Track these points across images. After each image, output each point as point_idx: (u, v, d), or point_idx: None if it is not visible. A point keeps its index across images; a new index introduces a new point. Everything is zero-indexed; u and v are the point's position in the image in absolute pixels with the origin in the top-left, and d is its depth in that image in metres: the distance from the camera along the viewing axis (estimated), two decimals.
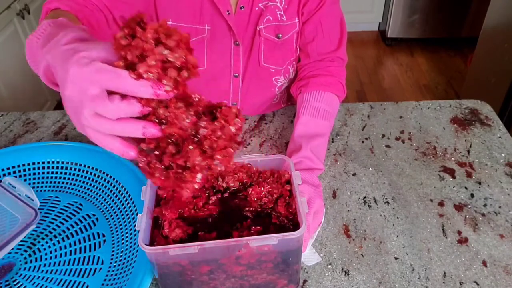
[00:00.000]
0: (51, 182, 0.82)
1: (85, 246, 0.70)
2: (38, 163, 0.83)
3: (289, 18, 0.90)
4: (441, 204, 0.79)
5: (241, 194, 0.65)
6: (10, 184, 0.78)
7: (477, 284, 0.66)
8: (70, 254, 0.69)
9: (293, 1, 0.89)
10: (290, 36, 0.93)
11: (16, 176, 0.81)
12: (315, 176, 0.77)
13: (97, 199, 0.78)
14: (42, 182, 0.82)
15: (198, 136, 0.45)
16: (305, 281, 0.67)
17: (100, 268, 0.67)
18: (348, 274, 0.68)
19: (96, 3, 0.77)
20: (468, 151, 0.90)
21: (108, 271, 0.67)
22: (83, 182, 0.81)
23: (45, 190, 0.81)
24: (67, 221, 0.74)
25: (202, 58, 0.94)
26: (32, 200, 0.76)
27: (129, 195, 0.75)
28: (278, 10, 0.89)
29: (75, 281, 0.65)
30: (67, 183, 0.82)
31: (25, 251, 0.70)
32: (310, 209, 0.70)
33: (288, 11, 0.89)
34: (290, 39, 0.93)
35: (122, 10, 0.82)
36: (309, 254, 0.70)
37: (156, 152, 0.46)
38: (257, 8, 0.88)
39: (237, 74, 0.97)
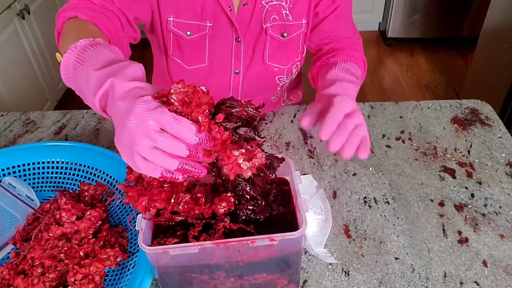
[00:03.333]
0: (51, 182, 0.82)
1: None
2: (38, 163, 0.83)
3: (296, 18, 0.91)
4: (441, 204, 0.79)
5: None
6: (10, 184, 0.78)
7: (478, 284, 0.66)
8: None
9: (300, 1, 0.89)
10: (295, 36, 0.93)
11: (16, 176, 0.81)
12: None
13: None
14: (42, 182, 0.82)
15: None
16: (305, 281, 0.67)
17: None
18: (348, 274, 0.68)
19: (110, 7, 0.77)
20: (469, 151, 0.90)
21: (108, 271, 0.67)
22: (83, 182, 0.81)
23: (45, 190, 0.81)
24: None
25: (204, 55, 0.94)
26: (32, 200, 0.76)
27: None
28: (283, 9, 0.89)
29: None
30: (67, 183, 0.82)
31: None
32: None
33: (294, 11, 0.90)
34: (295, 39, 0.94)
35: (134, 10, 0.82)
36: (325, 255, 0.70)
37: None
38: (260, 5, 0.88)
39: (237, 71, 0.97)
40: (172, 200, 0.56)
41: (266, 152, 0.57)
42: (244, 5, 0.88)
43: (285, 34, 0.92)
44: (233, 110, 0.54)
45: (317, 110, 0.69)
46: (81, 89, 0.57)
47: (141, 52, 1.77)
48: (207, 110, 0.51)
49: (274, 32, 0.92)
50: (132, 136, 0.48)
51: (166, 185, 0.57)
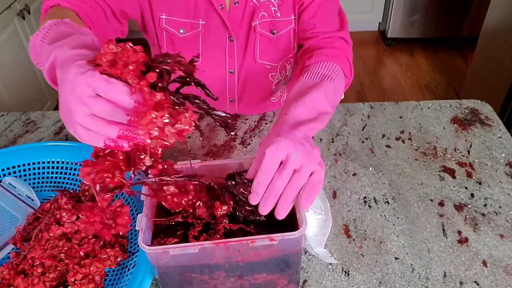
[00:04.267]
0: (51, 182, 0.82)
1: None
2: (38, 163, 0.83)
3: (284, 14, 0.90)
4: (441, 204, 0.79)
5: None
6: (10, 184, 0.78)
7: (477, 284, 0.66)
8: None
9: None
10: (285, 32, 0.93)
11: (16, 176, 0.81)
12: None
13: None
14: (42, 182, 0.82)
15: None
16: (305, 281, 0.67)
17: None
18: (348, 274, 0.68)
19: None
20: (468, 151, 0.90)
21: (109, 271, 0.67)
22: (83, 182, 0.81)
23: (45, 190, 0.81)
24: None
25: (197, 53, 0.94)
26: (32, 200, 0.77)
27: (129, 195, 0.75)
28: (272, 6, 0.89)
29: None
30: (67, 183, 0.82)
31: None
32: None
33: (282, 7, 0.89)
34: (285, 36, 0.93)
35: (119, 3, 0.82)
36: (325, 255, 0.70)
37: None
38: (251, 4, 0.88)
39: (232, 70, 0.97)
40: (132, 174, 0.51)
41: (215, 114, 0.53)
42: (235, 3, 0.88)
43: (275, 31, 0.92)
44: (163, 66, 0.48)
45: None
46: (43, 66, 0.55)
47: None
48: (137, 70, 0.46)
49: (263, 30, 0.91)
50: (68, 104, 0.46)
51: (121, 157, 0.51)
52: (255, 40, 0.92)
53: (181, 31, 0.90)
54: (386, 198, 0.80)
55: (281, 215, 0.57)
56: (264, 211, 0.57)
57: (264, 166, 0.56)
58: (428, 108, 1.02)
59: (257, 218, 0.61)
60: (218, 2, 0.86)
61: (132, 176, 0.52)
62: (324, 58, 0.79)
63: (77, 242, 0.66)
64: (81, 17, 0.72)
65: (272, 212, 0.63)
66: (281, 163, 0.57)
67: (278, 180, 0.56)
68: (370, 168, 0.87)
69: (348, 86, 0.85)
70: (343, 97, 0.92)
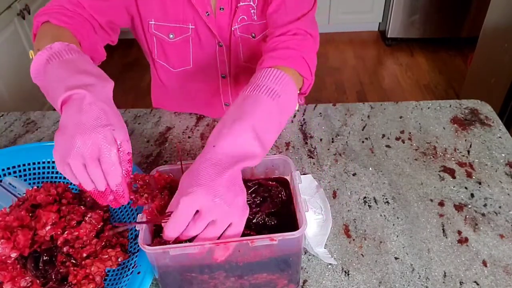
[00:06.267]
0: (51, 182, 0.82)
1: None
2: (38, 163, 0.83)
3: (260, 18, 0.89)
4: (441, 204, 0.79)
5: None
6: (10, 184, 0.78)
7: (477, 284, 0.66)
8: None
9: (261, 0, 0.87)
10: (263, 35, 0.91)
11: (16, 176, 0.81)
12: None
13: None
14: (42, 182, 0.82)
15: None
16: (305, 281, 0.67)
17: None
18: (348, 274, 0.68)
19: (82, 13, 0.79)
20: (468, 151, 0.90)
21: (109, 271, 0.67)
22: None
23: None
24: None
25: (188, 57, 0.94)
26: None
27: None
28: (252, 8, 0.88)
29: None
30: (67, 183, 0.82)
31: None
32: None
33: (259, 10, 0.88)
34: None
35: (107, 15, 0.83)
36: (325, 255, 0.70)
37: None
38: (236, 8, 0.87)
39: (224, 75, 0.98)
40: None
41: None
42: (220, 9, 0.87)
43: (254, 35, 0.91)
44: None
45: None
46: (48, 87, 0.61)
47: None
48: (152, 194, 0.61)
49: (243, 33, 0.91)
50: (70, 144, 0.55)
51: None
52: (236, 44, 0.92)
53: (171, 36, 0.90)
54: (386, 198, 0.80)
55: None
56: (170, 239, 0.56)
57: (178, 214, 0.53)
58: (428, 108, 1.02)
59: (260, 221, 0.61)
60: (204, 9, 0.86)
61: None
62: (275, 62, 0.70)
63: (80, 246, 0.66)
64: (73, 33, 0.74)
65: (273, 213, 0.63)
66: (197, 211, 0.54)
67: (191, 229, 0.54)
68: (370, 168, 0.87)
69: (311, 86, 0.77)
70: (299, 106, 0.93)
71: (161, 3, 0.86)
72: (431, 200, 0.80)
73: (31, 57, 0.66)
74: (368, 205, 0.79)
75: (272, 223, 0.62)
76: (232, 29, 0.90)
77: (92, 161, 0.55)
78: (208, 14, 0.87)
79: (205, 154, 0.56)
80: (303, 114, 1.01)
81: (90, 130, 0.55)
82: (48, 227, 0.64)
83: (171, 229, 0.54)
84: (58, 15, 0.75)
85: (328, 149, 0.91)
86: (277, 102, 0.60)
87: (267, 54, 0.74)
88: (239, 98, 0.61)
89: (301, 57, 0.73)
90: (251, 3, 0.87)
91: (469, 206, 0.79)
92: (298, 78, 0.73)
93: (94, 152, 0.55)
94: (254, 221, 0.62)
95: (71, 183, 0.80)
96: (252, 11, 0.88)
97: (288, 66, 0.70)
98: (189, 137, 0.95)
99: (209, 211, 0.53)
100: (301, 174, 0.77)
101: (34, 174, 0.83)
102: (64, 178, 0.81)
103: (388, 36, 3.11)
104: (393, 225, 0.76)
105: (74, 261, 0.64)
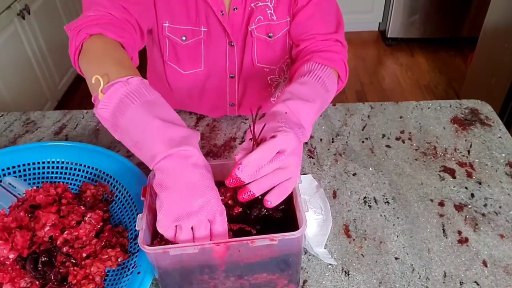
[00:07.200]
0: (51, 182, 0.82)
1: None
2: (38, 163, 0.83)
3: (280, 17, 0.90)
4: (441, 204, 0.79)
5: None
6: (10, 184, 0.78)
7: (477, 284, 0.66)
8: None
9: (282, 1, 0.88)
10: (281, 35, 0.93)
11: (16, 176, 0.81)
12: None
13: None
14: (42, 183, 0.82)
15: None
16: (305, 281, 0.67)
17: None
18: (348, 274, 0.68)
19: (129, 19, 0.76)
20: (468, 151, 0.90)
21: (109, 271, 0.67)
22: (84, 182, 0.81)
23: None
24: None
25: (200, 60, 0.94)
26: None
27: (129, 195, 0.75)
28: (268, 9, 0.89)
29: None
30: (67, 183, 0.82)
31: None
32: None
33: (278, 9, 0.89)
34: (282, 38, 0.93)
35: (147, 21, 0.83)
36: (325, 255, 0.70)
37: None
38: (249, 8, 0.88)
39: (232, 75, 0.98)
40: None
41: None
42: (234, 9, 0.88)
43: (271, 35, 0.91)
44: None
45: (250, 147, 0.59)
46: (134, 132, 0.56)
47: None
48: None
49: (260, 34, 0.91)
50: (186, 207, 0.54)
51: None
52: (252, 44, 0.92)
53: (183, 38, 0.90)
54: (386, 198, 0.80)
55: (241, 197, 0.57)
56: (229, 182, 0.56)
57: (268, 147, 0.56)
58: (428, 108, 1.02)
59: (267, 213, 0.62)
60: (218, 8, 0.86)
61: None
62: (323, 61, 0.77)
63: (79, 246, 0.66)
64: (126, 49, 0.71)
65: (274, 215, 0.63)
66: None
67: (266, 167, 0.56)
68: (370, 168, 0.87)
69: (340, 90, 0.84)
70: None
71: (176, 3, 0.86)
72: (431, 200, 0.80)
73: (95, 81, 0.58)
74: (368, 205, 0.79)
75: (272, 223, 0.62)
76: (249, 29, 0.90)
77: (206, 224, 0.55)
78: (223, 14, 0.87)
79: (285, 103, 0.63)
80: None
81: (204, 191, 0.54)
82: (47, 228, 0.64)
83: (254, 161, 0.55)
84: (111, 26, 0.71)
85: (328, 149, 0.91)
86: (326, 96, 0.72)
87: (315, 53, 0.82)
88: (301, 80, 0.70)
89: (343, 61, 0.82)
90: (268, 3, 0.88)
91: (469, 206, 0.79)
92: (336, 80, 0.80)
93: (210, 214, 0.55)
94: (256, 219, 0.62)
95: (71, 183, 0.80)
96: (268, 11, 0.89)
97: (334, 68, 0.78)
98: None
99: (289, 156, 0.56)
100: (301, 174, 0.77)
101: (34, 174, 0.82)
102: (64, 178, 0.82)
103: (388, 36, 3.11)
104: (393, 225, 0.76)
105: (74, 261, 0.64)
